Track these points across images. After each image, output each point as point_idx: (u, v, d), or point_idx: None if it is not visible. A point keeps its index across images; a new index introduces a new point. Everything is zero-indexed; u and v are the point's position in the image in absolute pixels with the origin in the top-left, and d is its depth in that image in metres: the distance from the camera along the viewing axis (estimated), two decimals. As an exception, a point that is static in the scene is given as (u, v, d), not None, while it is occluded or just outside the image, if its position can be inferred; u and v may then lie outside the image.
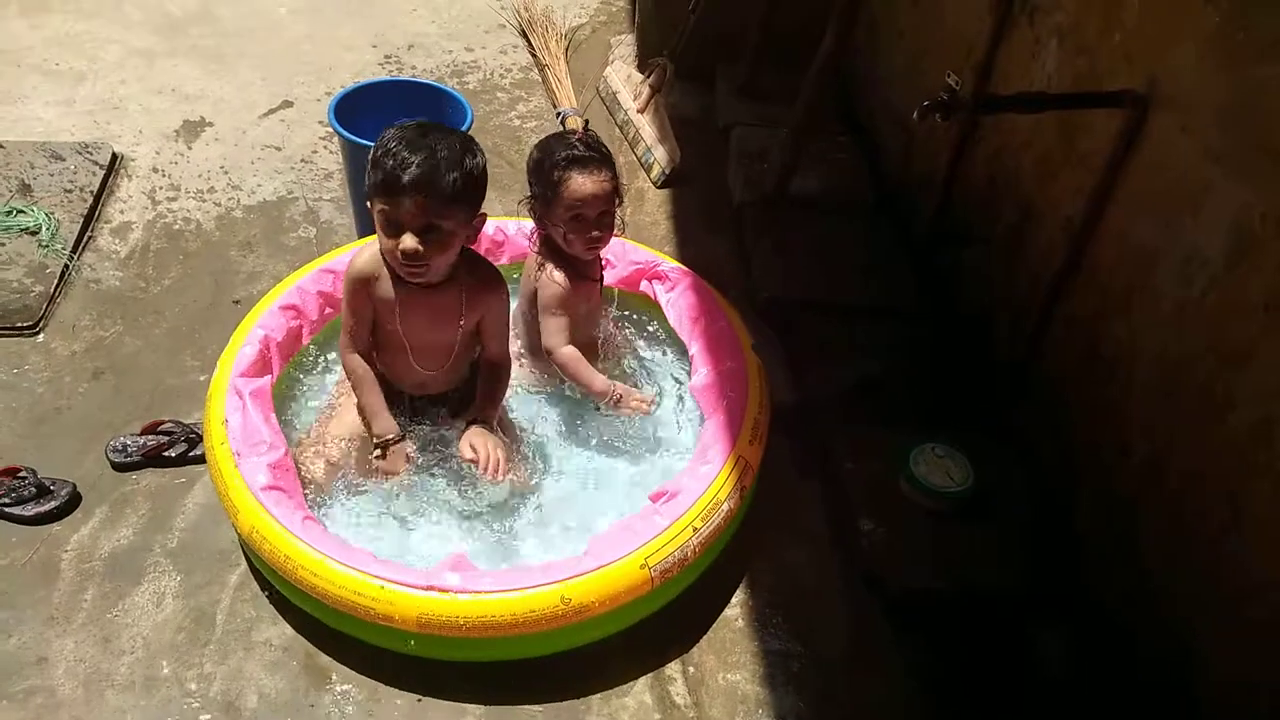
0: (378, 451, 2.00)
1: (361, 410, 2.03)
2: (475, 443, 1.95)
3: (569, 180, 2.04)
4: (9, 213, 2.71)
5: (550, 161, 2.07)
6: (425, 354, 2.03)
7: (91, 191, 2.84)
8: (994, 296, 2.36)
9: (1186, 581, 1.70)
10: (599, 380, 2.18)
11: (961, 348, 2.43)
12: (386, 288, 1.94)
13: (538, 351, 2.27)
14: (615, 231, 2.18)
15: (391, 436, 1.99)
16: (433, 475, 2.05)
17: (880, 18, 3.04)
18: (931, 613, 1.95)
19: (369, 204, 1.85)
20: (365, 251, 1.96)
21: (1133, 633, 1.82)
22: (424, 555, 1.96)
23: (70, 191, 2.83)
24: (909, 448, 2.08)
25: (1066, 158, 2.07)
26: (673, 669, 1.88)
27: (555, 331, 2.16)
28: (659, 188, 3.10)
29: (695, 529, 1.84)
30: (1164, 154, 1.77)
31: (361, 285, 1.95)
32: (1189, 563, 1.70)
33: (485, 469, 1.92)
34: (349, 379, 2.03)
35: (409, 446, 2.01)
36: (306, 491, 1.97)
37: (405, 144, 1.78)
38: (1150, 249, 1.81)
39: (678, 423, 2.29)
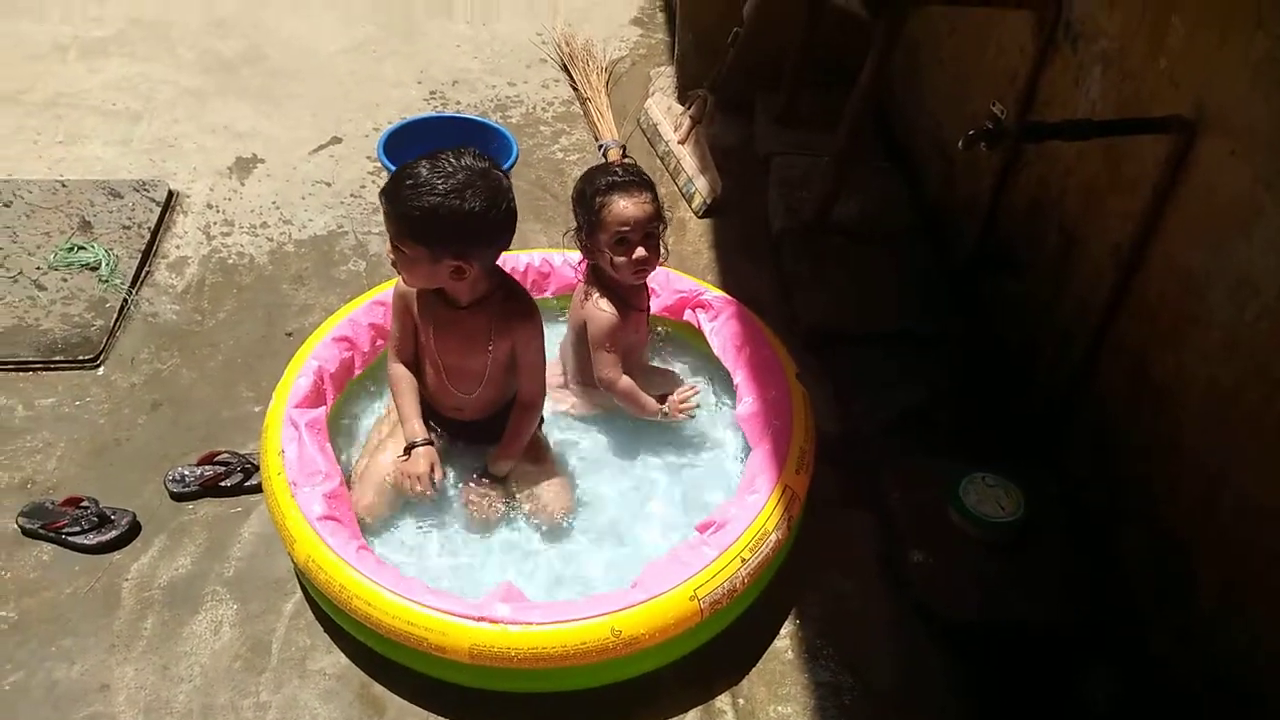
0: (404, 455, 2.05)
1: (398, 414, 2.11)
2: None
3: (611, 204, 2.08)
4: (70, 249, 2.80)
5: (592, 189, 2.11)
6: (457, 377, 2.08)
7: (149, 228, 2.92)
8: (1038, 324, 2.35)
9: (1243, 617, 1.67)
10: (650, 403, 2.24)
11: (1006, 376, 2.42)
12: (424, 301, 2.03)
13: (585, 380, 2.30)
14: (660, 260, 2.20)
15: (419, 440, 2.05)
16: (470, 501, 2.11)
17: (920, 45, 3.06)
18: (982, 645, 1.93)
19: None
20: None
21: (1187, 671, 1.79)
22: (472, 583, 1.98)
23: (129, 228, 2.91)
24: (958, 477, 2.07)
25: (1113, 183, 2.06)
26: (723, 701, 1.88)
27: (610, 365, 2.19)
28: (700, 217, 3.13)
29: (744, 559, 1.84)
30: (1213, 179, 1.76)
31: (402, 299, 2.06)
32: (1245, 597, 1.67)
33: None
34: (390, 385, 2.14)
35: (434, 455, 2.05)
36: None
37: (429, 161, 1.83)
38: (1200, 274, 1.79)
39: (723, 452, 2.29)
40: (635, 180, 2.12)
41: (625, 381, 2.21)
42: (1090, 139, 1.96)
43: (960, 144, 1.93)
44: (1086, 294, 2.13)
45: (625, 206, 2.08)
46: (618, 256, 2.11)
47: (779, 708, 1.85)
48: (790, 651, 1.95)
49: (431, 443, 2.06)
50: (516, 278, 2.48)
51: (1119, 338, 2.03)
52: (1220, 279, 1.74)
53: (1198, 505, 1.78)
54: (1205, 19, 1.78)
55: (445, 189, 1.79)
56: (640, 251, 2.10)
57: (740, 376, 2.27)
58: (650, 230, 2.11)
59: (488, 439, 2.15)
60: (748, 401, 2.20)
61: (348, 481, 2.06)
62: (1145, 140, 1.91)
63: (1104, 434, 2.07)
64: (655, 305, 2.47)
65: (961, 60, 2.82)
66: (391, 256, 1.90)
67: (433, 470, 2.03)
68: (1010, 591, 1.97)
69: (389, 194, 1.84)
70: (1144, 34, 1.95)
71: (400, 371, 2.12)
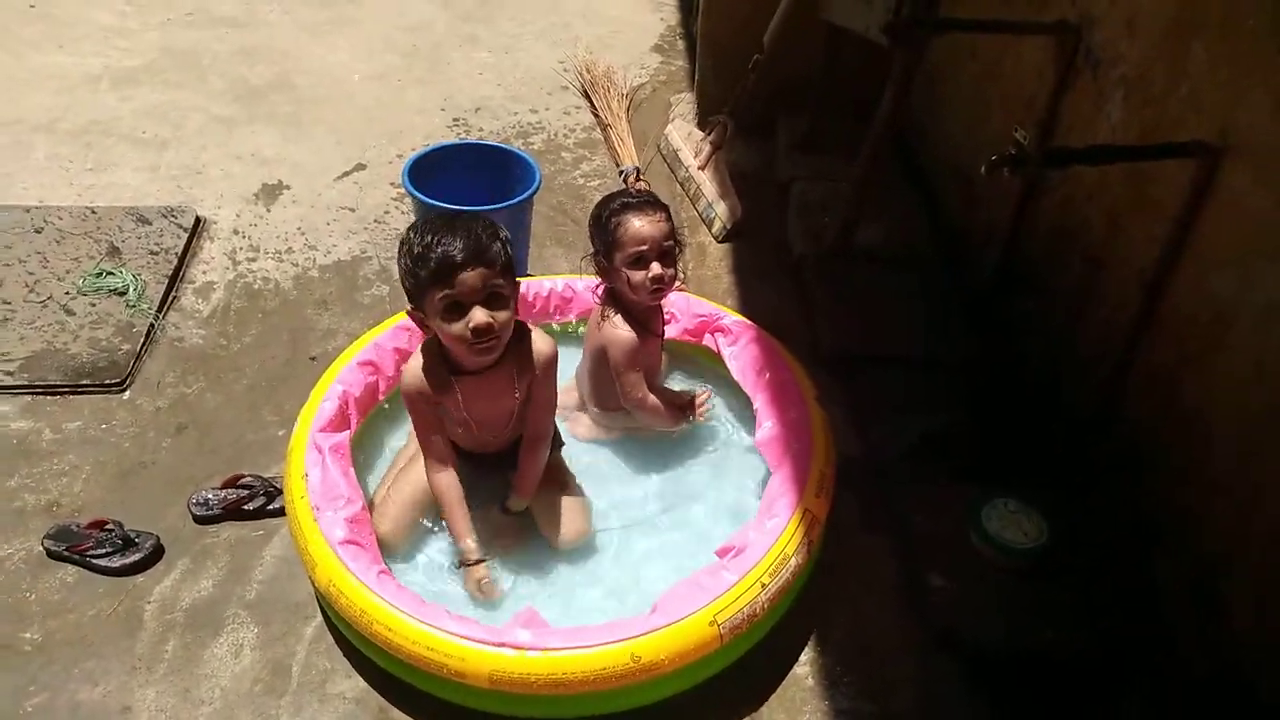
0: (460, 568, 2.03)
1: (450, 529, 2.05)
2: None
3: (626, 224, 2.11)
4: (99, 274, 2.84)
5: (607, 212, 2.15)
6: (487, 425, 2.07)
7: (176, 253, 2.96)
8: (1062, 348, 2.33)
9: None
10: (675, 414, 2.29)
11: (1028, 401, 2.40)
12: (445, 383, 1.95)
13: (603, 403, 2.31)
14: (678, 284, 2.22)
15: (472, 559, 2.00)
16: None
17: (940, 70, 3.07)
18: (1005, 672, 1.91)
19: (414, 307, 1.88)
20: (410, 365, 1.97)
21: (1225, 700, 1.76)
22: (493, 608, 1.97)
23: (156, 253, 2.96)
24: (980, 503, 2.05)
25: (1137, 208, 2.05)
26: (743, 728, 1.87)
27: (635, 385, 2.22)
28: (720, 242, 3.13)
29: (763, 584, 1.83)
30: (1239, 203, 1.75)
31: (420, 396, 1.96)
32: (1280, 623, 1.64)
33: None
34: (436, 497, 2.04)
35: (488, 572, 2.00)
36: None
37: (441, 232, 1.81)
38: (1229, 299, 1.78)
39: (743, 476, 2.29)
40: (649, 200, 2.16)
41: (652, 400, 2.24)
42: (1114, 163, 1.95)
43: (983, 169, 1.92)
44: (1111, 317, 2.11)
45: (641, 225, 2.10)
46: (634, 275, 2.13)
47: (800, 736, 1.83)
48: (810, 678, 1.93)
49: (484, 560, 2.01)
50: (540, 303, 2.52)
51: (1146, 362, 2.02)
52: (1249, 304, 1.73)
53: (1231, 528, 1.75)
54: (1227, 45, 1.78)
55: (485, 223, 1.86)
56: (656, 268, 2.12)
57: (759, 400, 2.27)
58: (666, 249, 2.13)
59: (509, 464, 2.15)
60: (767, 425, 2.19)
61: (370, 506, 2.07)
62: (1170, 165, 1.90)
63: (1132, 458, 2.05)
64: (675, 329, 2.48)
65: (981, 86, 2.82)
66: (490, 320, 1.81)
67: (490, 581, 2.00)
68: (1034, 618, 1.94)
69: (474, 258, 1.79)
70: (1166, 60, 1.95)
71: (446, 482, 2.01)
